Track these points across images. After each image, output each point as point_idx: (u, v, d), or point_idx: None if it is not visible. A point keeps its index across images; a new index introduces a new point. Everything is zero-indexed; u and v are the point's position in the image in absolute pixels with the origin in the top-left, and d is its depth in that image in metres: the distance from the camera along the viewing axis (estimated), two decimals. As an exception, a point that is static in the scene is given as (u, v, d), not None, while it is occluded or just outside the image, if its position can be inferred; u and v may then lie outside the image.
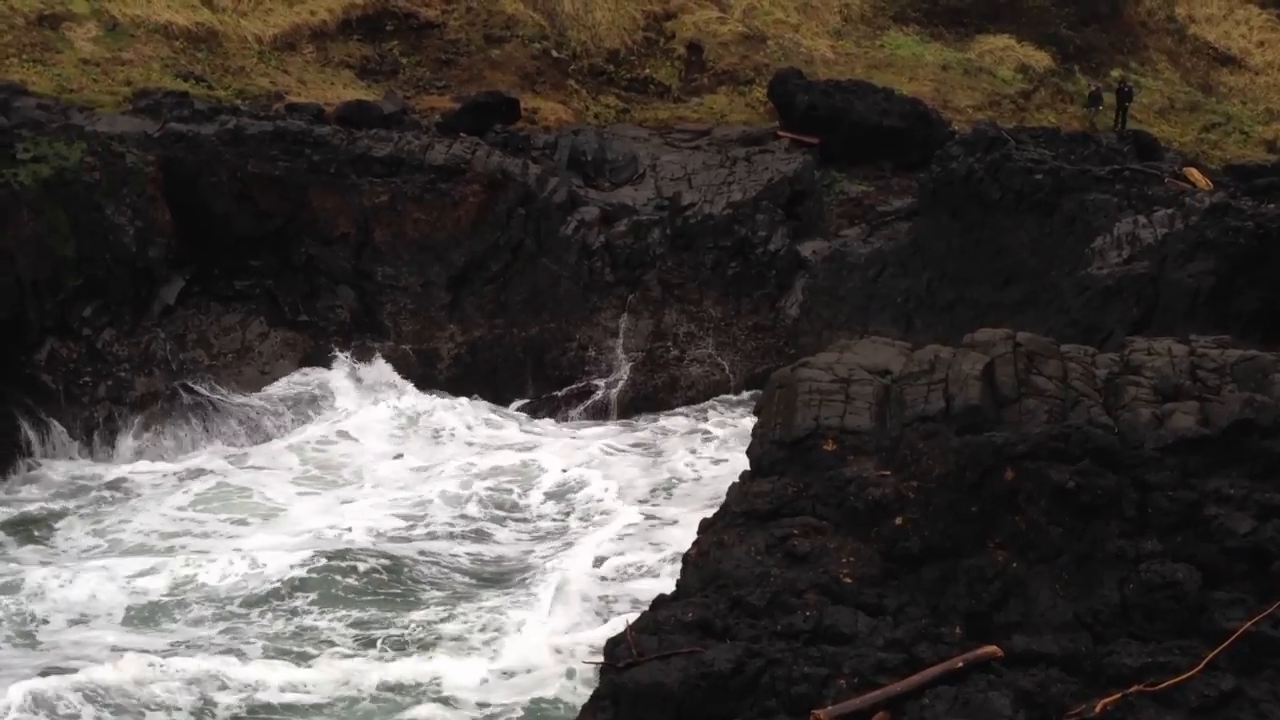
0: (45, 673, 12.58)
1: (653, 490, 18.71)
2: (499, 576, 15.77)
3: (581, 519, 17.61)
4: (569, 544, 16.61)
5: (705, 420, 21.83)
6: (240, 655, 13.29)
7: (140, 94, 26.10)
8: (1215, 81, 36.62)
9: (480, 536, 17.28)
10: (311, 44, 30.45)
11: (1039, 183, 21.33)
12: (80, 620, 14.35)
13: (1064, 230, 20.73)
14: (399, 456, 20.22)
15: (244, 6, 30.63)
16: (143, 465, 19.62)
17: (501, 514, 18.03)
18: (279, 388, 21.64)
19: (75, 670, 12.62)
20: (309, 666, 13.06)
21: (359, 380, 21.98)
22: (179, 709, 12.10)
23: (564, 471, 19.23)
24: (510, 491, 18.73)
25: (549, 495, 18.61)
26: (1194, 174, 23.60)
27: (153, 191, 21.82)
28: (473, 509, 18.06)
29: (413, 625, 14.06)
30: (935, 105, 30.28)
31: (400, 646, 13.66)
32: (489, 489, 18.67)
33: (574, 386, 23.13)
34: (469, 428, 21.09)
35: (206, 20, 29.69)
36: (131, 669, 12.60)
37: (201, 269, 22.53)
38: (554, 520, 17.82)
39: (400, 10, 31.59)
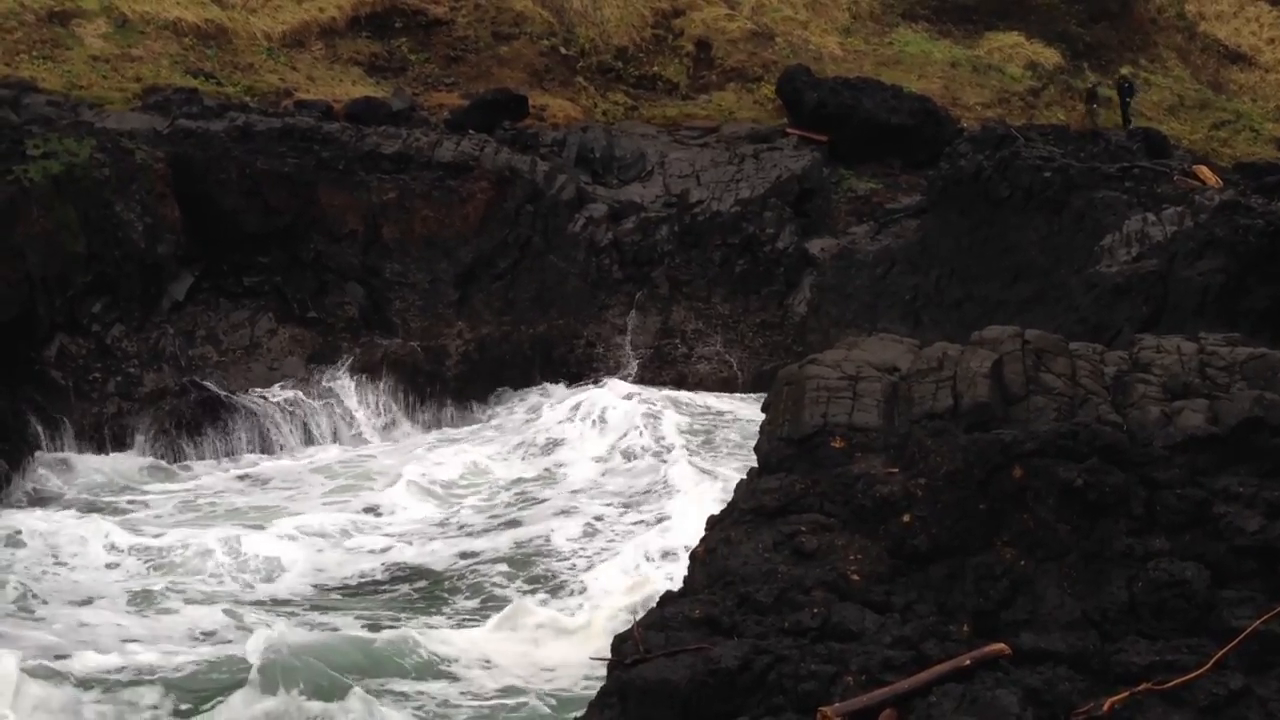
0: (40, 654, 12.55)
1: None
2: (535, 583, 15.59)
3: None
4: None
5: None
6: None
7: (149, 91, 26.17)
8: (1225, 79, 36.51)
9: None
10: (320, 41, 30.48)
11: (1048, 180, 21.28)
12: (84, 603, 14.43)
13: (1073, 228, 20.69)
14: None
15: (253, 3, 30.68)
16: (152, 461, 19.69)
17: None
18: (289, 393, 21.51)
19: (70, 655, 12.57)
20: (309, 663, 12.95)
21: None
22: (166, 700, 12.03)
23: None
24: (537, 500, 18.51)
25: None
26: (1204, 171, 23.52)
27: (162, 188, 21.86)
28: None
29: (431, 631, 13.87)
30: (944, 103, 30.24)
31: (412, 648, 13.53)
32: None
33: (582, 383, 23.15)
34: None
35: (216, 17, 29.74)
36: (120, 658, 12.59)
37: (210, 265, 22.57)
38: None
39: (409, 7, 31.60)
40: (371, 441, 21.11)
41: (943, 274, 22.37)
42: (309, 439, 20.95)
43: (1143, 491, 8.72)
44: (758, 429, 10.69)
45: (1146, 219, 19.39)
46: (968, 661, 7.80)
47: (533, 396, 22.55)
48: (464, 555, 16.23)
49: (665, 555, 15.27)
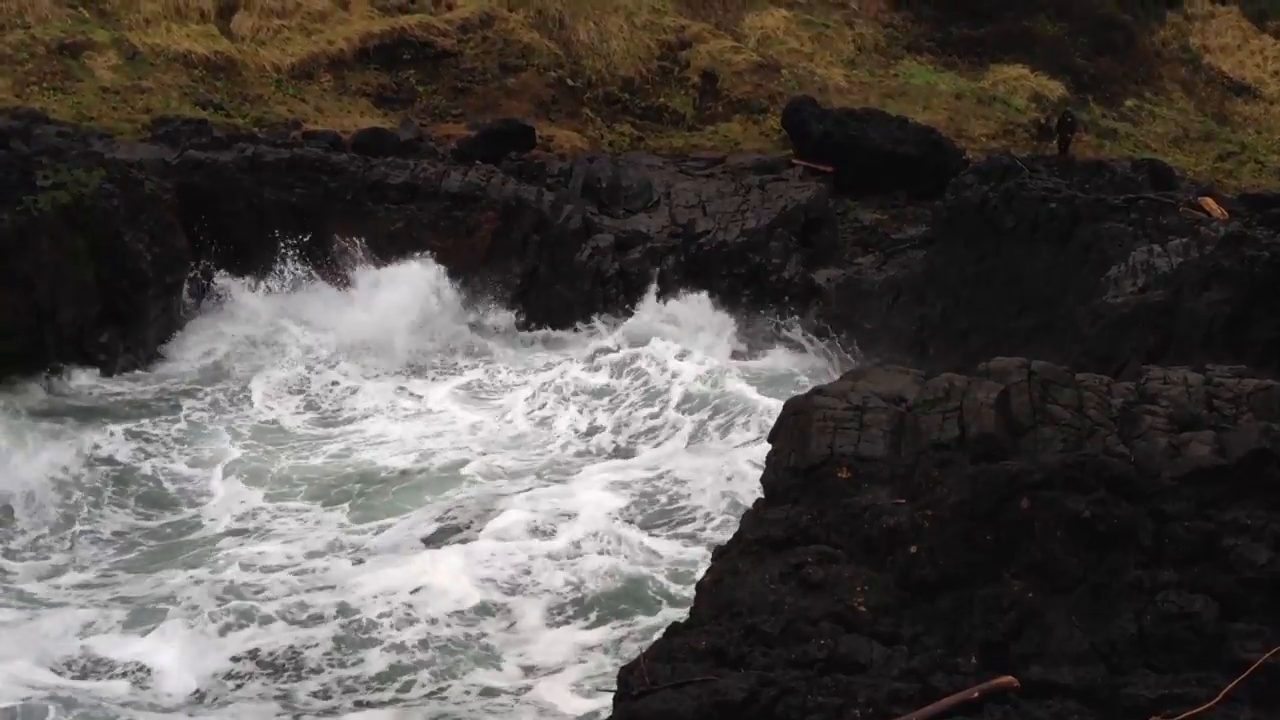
0: None
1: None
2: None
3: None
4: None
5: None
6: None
7: (159, 122, 26.36)
8: (1230, 111, 36.67)
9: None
10: (329, 73, 30.72)
11: (1053, 211, 21.29)
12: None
13: (1079, 259, 20.67)
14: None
15: (262, 36, 30.95)
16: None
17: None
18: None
19: None
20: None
21: None
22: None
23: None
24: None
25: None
26: (1209, 203, 23.54)
27: (170, 218, 21.97)
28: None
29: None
30: (949, 134, 30.38)
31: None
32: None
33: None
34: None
35: (225, 50, 30.00)
36: None
37: (218, 295, 22.69)
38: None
39: (417, 39, 31.86)
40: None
41: (948, 304, 22.35)
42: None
43: (1151, 523, 8.68)
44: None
45: (1152, 250, 19.38)
46: (976, 694, 7.75)
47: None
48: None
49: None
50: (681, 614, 12.37)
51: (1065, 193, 21.67)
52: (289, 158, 23.90)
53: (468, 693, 11.86)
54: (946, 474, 9.19)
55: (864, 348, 22.66)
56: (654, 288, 23.63)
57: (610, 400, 20.05)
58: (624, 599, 13.52)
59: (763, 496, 10.31)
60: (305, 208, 23.30)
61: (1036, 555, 8.58)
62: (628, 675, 8.42)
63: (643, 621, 12.94)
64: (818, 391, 10.81)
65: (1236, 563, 8.46)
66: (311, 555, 14.73)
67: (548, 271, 23.89)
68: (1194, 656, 8.04)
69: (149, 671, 12.02)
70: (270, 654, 12.37)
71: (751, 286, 24.24)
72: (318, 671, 12.16)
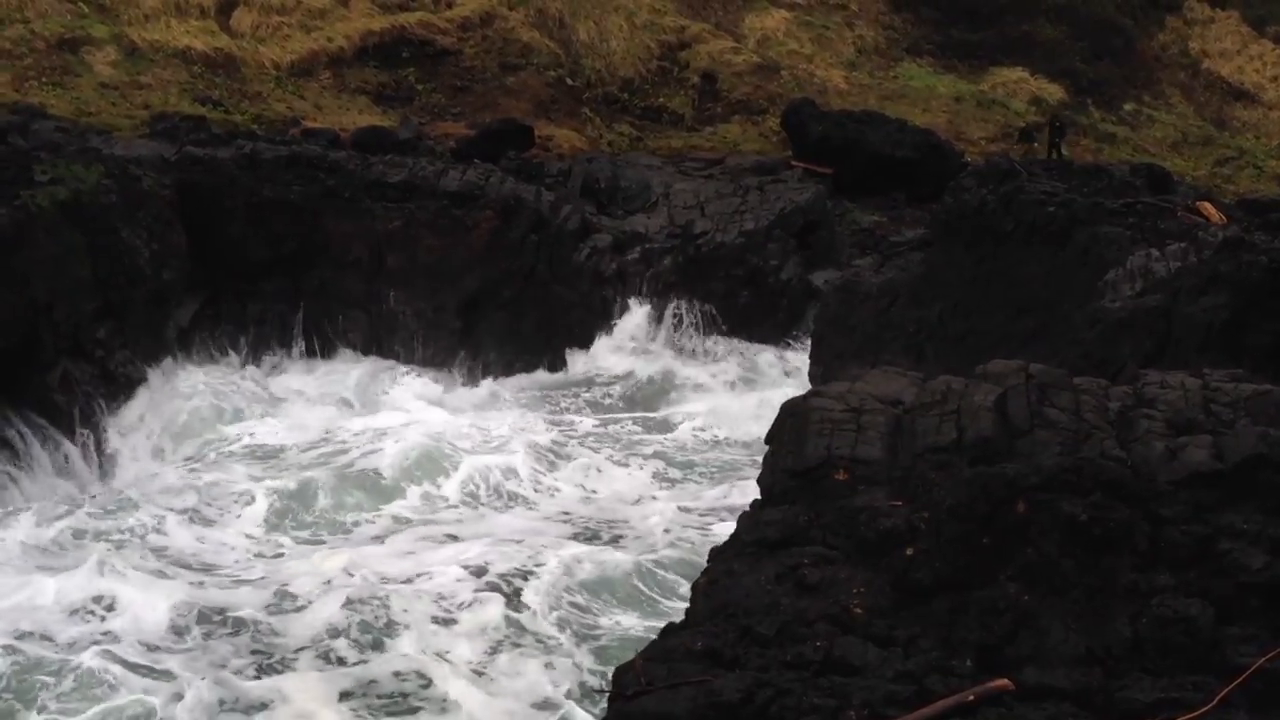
0: None
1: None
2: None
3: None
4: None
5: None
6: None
7: (158, 118, 26.37)
8: (1229, 116, 36.72)
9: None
10: (328, 70, 30.72)
11: (1052, 215, 21.28)
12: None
13: (1077, 262, 20.66)
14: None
15: (262, 33, 30.95)
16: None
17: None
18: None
19: None
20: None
21: None
22: None
23: None
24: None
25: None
26: (1207, 208, 23.53)
27: (168, 215, 21.97)
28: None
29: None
30: (948, 137, 30.41)
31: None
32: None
33: (585, 413, 23.14)
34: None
35: (225, 46, 30.00)
36: None
37: (215, 292, 22.66)
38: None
39: (417, 38, 31.87)
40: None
41: (946, 307, 22.34)
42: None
43: (1147, 527, 8.69)
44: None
45: (1150, 254, 19.38)
46: (971, 697, 7.76)
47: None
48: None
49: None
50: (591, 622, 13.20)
51: (1064, 196, 21.67)
52: (288, 155, 23.89)
53: (395, 672, 12.66)
54: (943, 476, 9.19)
55: (861, 350, 22.66)
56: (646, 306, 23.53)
57: (606, 457, 20.29)
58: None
59: (759, 498, 10.31)
60: (303, 205, 23.30)
61: (1032, 558, 8.58)
62: (623, 675, 8.42)
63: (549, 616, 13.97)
64: (815, 393, 10.82)
65: (1232, 567, 8.47)
66: (252, 538, 15.95)
67: (545, 271, 23.89)
68: (1189, 660, 8.05)
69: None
70: (207, 619, 13.50)
71: (749, 288, 24.25)
72: (251, 638, 13.23)
